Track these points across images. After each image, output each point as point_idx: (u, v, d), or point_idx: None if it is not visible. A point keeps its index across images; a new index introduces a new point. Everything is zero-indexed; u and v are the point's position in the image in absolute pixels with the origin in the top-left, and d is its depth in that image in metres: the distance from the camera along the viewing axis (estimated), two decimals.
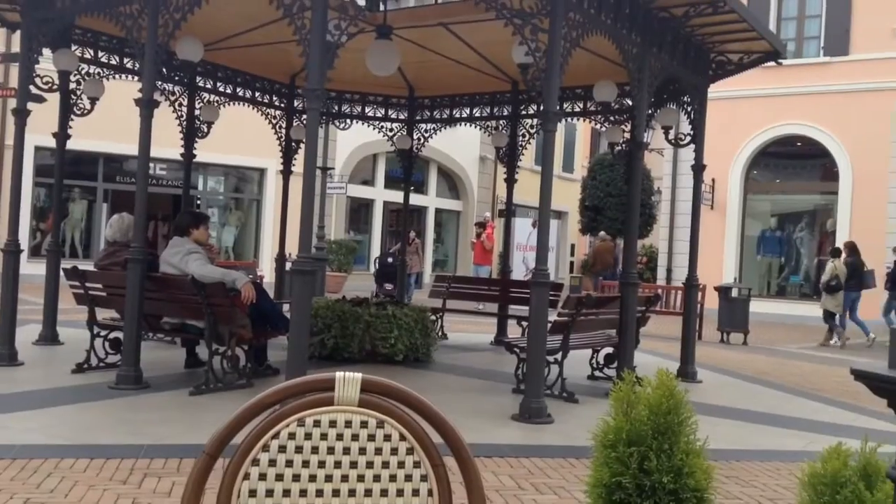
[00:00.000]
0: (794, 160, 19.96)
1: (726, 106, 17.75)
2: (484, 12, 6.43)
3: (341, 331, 8.00)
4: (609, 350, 7.92)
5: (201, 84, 10.15)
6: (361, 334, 7.98)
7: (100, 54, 8.95)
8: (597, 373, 7.99)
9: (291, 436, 1.49)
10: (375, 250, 23.95)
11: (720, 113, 17.23)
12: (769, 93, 18.65)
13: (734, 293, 13.79)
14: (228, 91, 10.48)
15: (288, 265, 10.25)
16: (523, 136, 11.03)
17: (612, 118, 10.27)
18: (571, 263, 31.26)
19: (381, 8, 7.83)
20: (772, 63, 9.41)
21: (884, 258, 16.98)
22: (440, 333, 10.10)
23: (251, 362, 6.74)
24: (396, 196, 21.69)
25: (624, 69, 7.42)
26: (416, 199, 23.97)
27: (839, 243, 17.28)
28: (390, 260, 15.95)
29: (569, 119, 11.32)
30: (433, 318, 9.15)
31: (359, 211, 24.55)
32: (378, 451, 1.51)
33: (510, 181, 10.99)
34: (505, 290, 10.62)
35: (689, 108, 9.08)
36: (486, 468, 4.58)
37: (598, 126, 11.18)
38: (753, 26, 8.02)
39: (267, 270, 17.25)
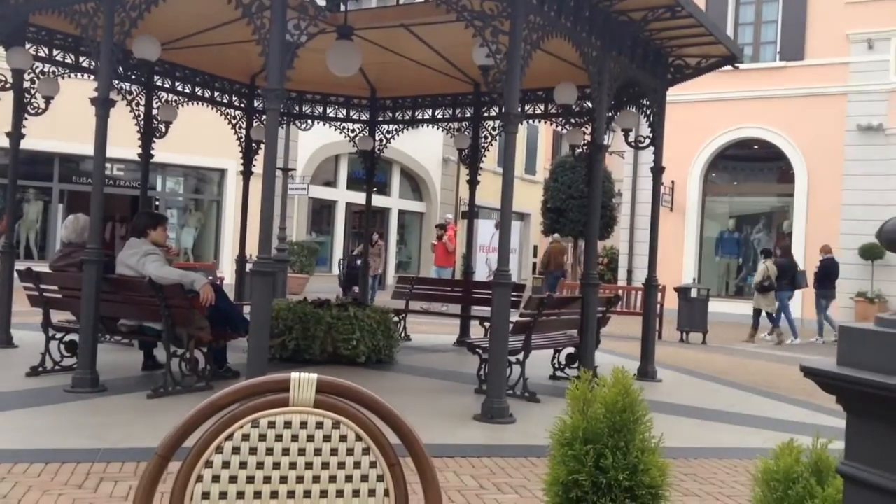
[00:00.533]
0: (752, 163, 20.31)
1: (685, 109, 18.01)
2: (445, 14, 6.44)
3: (303, 332, 7.95)
4: (570, 350, 7.99)
5: (159, 83, 10.01)
6: (323, 336, 7.94)
7: (55, 52, 8.78)
8: (558, 373, 8.04)
9: (245, 437, 1.47)
10: (338, 252, 23.80)
11: (679, 116, 17.49)
12: (727, 96, 18.94)
13: (693, 293, 13.99)
14: (187, 91, 10.35)
15: (248, 267, 10.14)
16: (485, 137, 11.06)
17: (572, 120, 10.35)
18: (534, 265, 31.41)
19: (342, 8, 7.80)
20: (729, 67, 9.56)
21: (837, 259, 17.35)
22: (403, 335, 10.08)
23: (210, 365, 6.66)
24: (359, 197, 21.57)
25: (584, 72, 7.48)
26: (378, 201, 23.88)
27: (795, 244, 17.65)
28: (359, 262, 15.78)
29: (530, 121, 11.38)
30: (396, 319, 9.13)
31: (321, 212, 24.40)
32: (334, 451, 1.51)
33: (473, 183, 11.01)
34: (467, 291, 10.63)
35: (648, 111, 9.18)
36: (447, 468, 4.58)
37: (560, 128, 11.26)
38: (711, 31, 8.14)
39: (227, 272, 17.08)
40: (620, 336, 12.45)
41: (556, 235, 22.21)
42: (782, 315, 14.76)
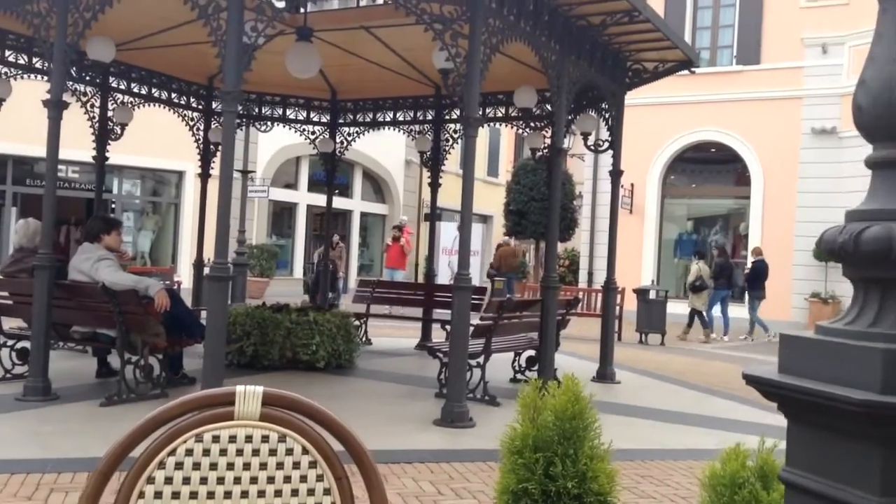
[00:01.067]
0: (709, 165, 20.58)
1: (644, 112, 18.19)
2: (405, 17, 6.43)
3: (261, 338, 7.87)
4: (531, 353, 8.02)
5: (115, 85, 9.85)
6: (282, 341, 7.87)
7: (7, 53, 8.60)
8: (519, 375, 8.08)
9: (189, 452, 1.45)
10: (299, 255, 23.61)
11: (638, 119, 17.66)
12: (685, 100, 19.17)
13: (652, 295, 14.15)
14: (143, 92, 10.20)
15: (206, 271, 10.02)
16: (447, 140, 11.06)
17: (533, 124, 10.40)
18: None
19: (302, 10, 7.74)
20: (685, 71, 9.69)
21: (792, 260, 17.71)
22: (364, 339, 10.04)
23: (166, 371, 6.57)
24: (320, 199, 21.41)
25: (544, 76, 7.53)
26: (340, 203, 23.75)
27: (752, 246, 17.96)
28: (331, 267, 15.58)
29: (492, 123, 11.42)
30: (357, 323, 9.09)
31: (281, 215, 24.20)
32: (280, 465, 1.49)
33: (434, 185, 11.01)
34: (429, 294, 10.62)
35: (607, 115, 9.26)
36: (406, 474, 4.57)
37: (521, 131, 11.31)
38: (667, 36, 8.25)
39: (185, 276, 16.85)
40: (581, 338, 12.54)
41: (505, 238, 22.45)
42: (713, 311, 15.25)
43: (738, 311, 16.05)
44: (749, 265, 15.78)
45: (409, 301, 11.09)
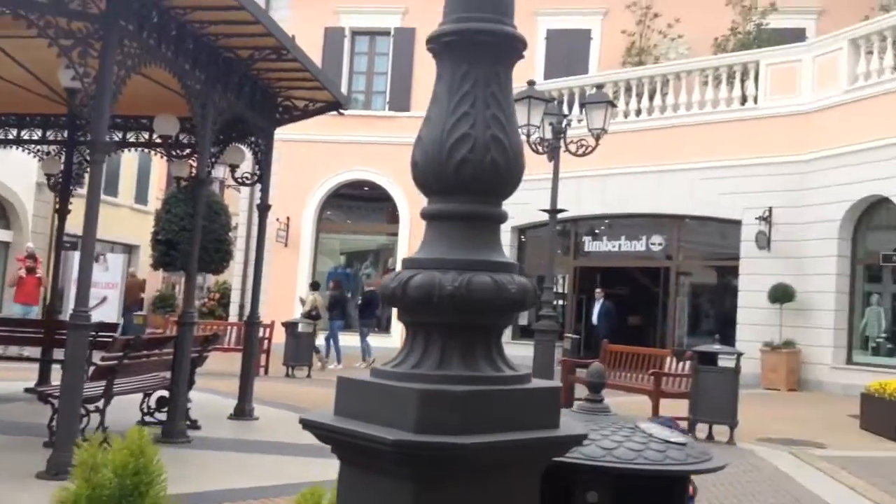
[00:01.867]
0: (364, 203, 21.53)
1: (303, 148, 18.49)
2: (27, 29, 5.84)
3: None
4: (164, 393, 7.59)
5: None
6: None
7: None
8: (147, 418, 7.56)
9: None
10: None
11: (298, 154, 17.96)
12: (343, 139, 19.79)
13: (301, 328, 14.27)
14: None
15: None
16: (80, 163, 10.17)
17: (176, 152, 9.99)
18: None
19: None
20: (335, 112, 10.00)
21: None
22: None
23: None
24: None
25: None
26: None
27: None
28: None
29: (137, 149, 10.79)
30: None
31: None
32: None
33: (63, 212, 10.08)
34: (49, 332, 9.51)
35: (256, 149, 9.23)
36: None
37: (165, 159, 10.81)
38: (316, 77, 8.48)
39: None
40: (225, 374, 12.14)
41: (131, 269, 21.76)
42: (331, 341, 16.00)
43: (375, 340, 16.76)
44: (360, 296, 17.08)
45: (26, 340, 9.87)
